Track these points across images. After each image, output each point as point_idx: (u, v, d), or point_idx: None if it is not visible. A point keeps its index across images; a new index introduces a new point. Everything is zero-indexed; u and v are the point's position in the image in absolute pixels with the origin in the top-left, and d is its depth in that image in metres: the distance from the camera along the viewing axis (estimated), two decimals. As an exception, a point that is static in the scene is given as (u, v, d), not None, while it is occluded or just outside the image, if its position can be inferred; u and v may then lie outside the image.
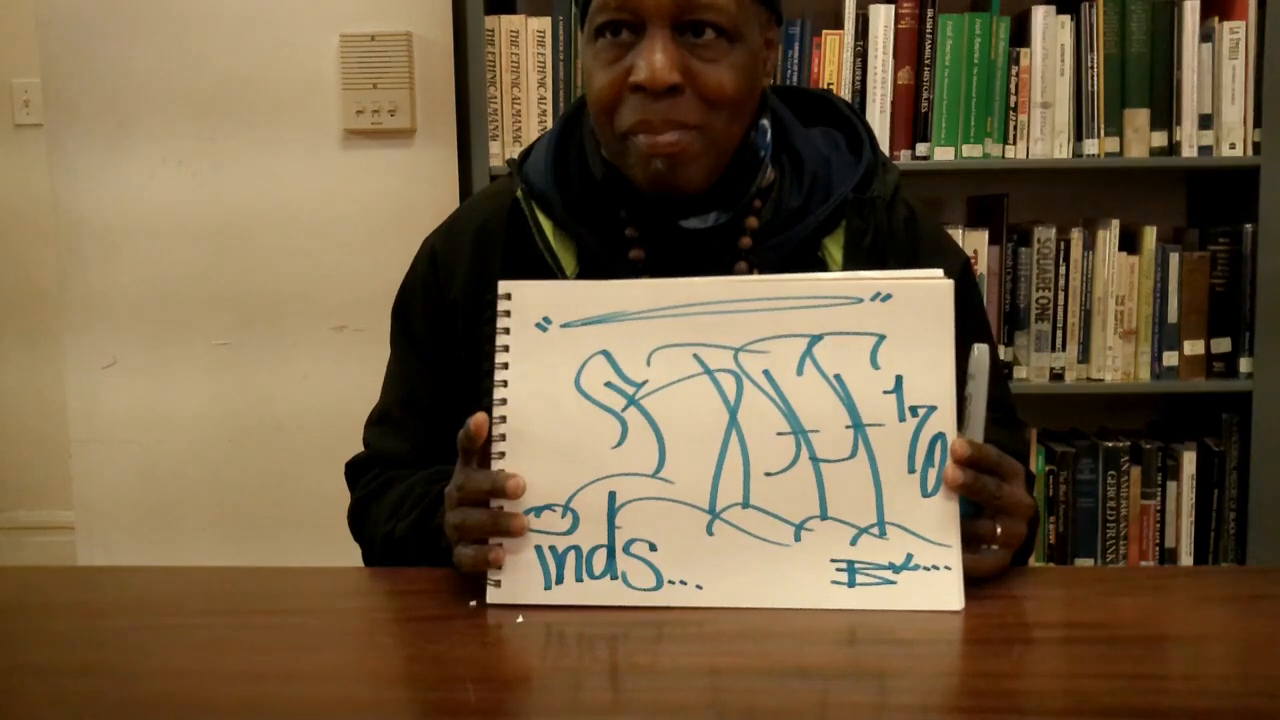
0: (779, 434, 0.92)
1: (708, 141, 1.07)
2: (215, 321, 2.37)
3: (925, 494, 0.92)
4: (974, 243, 2.22)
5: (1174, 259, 2.23)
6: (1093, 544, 2.29)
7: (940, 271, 0.93)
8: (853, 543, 0.92)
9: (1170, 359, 2.24)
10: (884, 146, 1.96)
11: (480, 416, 0.94)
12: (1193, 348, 2.24)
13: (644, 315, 0.94)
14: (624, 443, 0.93)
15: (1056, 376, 2.25)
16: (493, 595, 0.94)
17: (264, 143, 2.33)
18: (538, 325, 0.94)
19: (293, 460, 2.37)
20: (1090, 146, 2.19)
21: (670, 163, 1.06)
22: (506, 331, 0.95)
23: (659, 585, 0.93)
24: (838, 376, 0.92)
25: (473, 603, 0.94)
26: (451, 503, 0.97)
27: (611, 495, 0.93)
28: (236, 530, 2.40)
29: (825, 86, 2.18)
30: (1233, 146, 2.18)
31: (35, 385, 3.17)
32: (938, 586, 0.91)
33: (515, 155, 1.23)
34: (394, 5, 2.29)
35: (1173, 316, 2.23)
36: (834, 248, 1.14)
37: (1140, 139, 2.19)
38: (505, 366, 0.94)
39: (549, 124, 2.06)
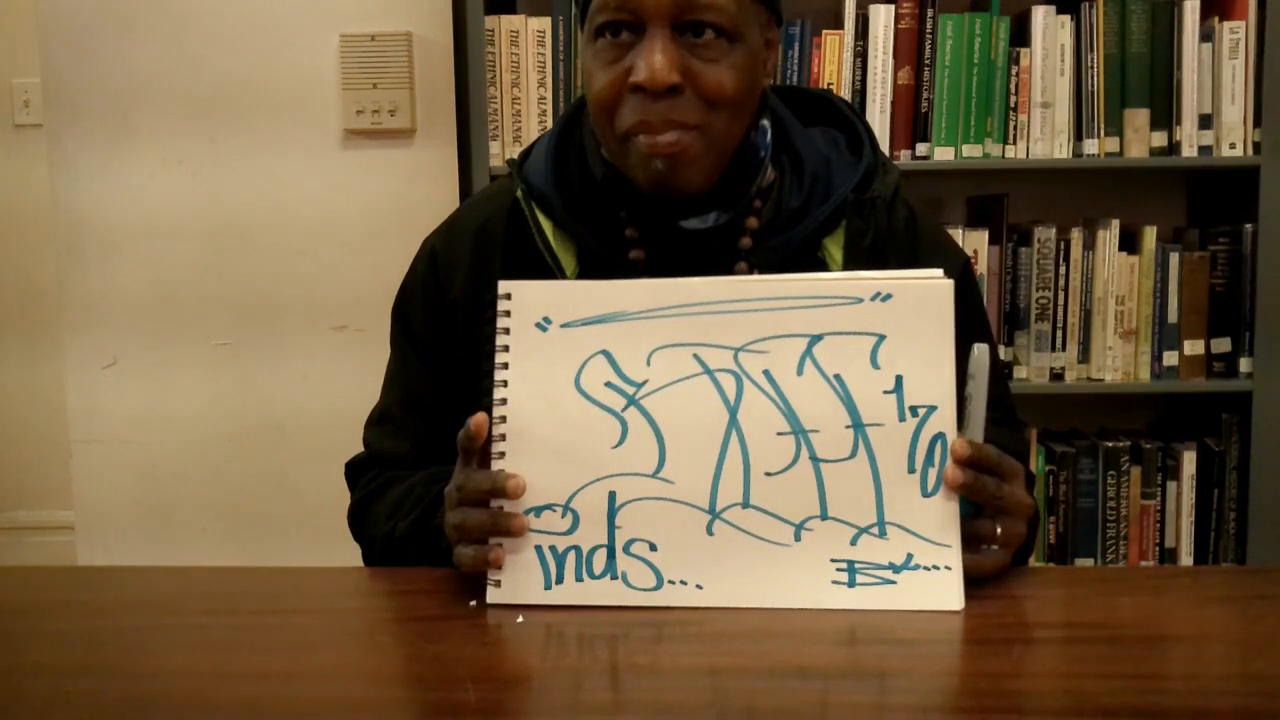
0: (779, 434, 0.92)
1: (708, 142, 1.07)
2: (215, 321, 2.37)
3: (925, 494, 0.92)
4: (974, 243, 2.22)
5: (1174, 259, 2.23)
6: (1093, 544, 2.29)
7: (940, 271, 0.93)
8: (853, 543, 0.92)
9: (1170, 359, 2.24)
10: (884, 146, 1.96)
11: (480, 416, 0.94)
12: (1193, 348, 2.24)
13: (644, 315, 0.94)
14: (624, 443, 0.93)
15: (1056, 376, 2.25)
16: (493, 595, 0.94)
17: (264, 143, 2.33)
18: (538, 325, 0.94)
19: (293, 460, 2.37)
20: (1090, 146, 2.19)
21: (670, 163, 1.06)
22: (506, 331, 0.95)
23: (659, 585, 0.93)
24: (838, 376, 0.92)
25: (473, 603, 0.94)
26: (451, 503, 0.97)
27: (611, 495, 0.93)
28: (236, 530, 2.40)
29: (825, 86, 2.18)
30: (1233, 146, 2.18)
31: (35, 385, 3.17)
32: (938, 586, 0.91)
33: (515, 155, 1.23)
34: (394, 5, 2.29)
35: (1173, 316, 2.23)
36: (834, 248, 1.14)
37: (1140, 139, 2.19)
38: (505, 366, 0.94)
39: (549, 124, 2.06)
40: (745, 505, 0.92)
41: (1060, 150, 2.20)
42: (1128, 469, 2.28)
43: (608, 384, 0.93)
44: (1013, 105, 2.19)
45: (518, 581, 0.93)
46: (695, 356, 0.93)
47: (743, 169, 1.13)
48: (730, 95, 1.06)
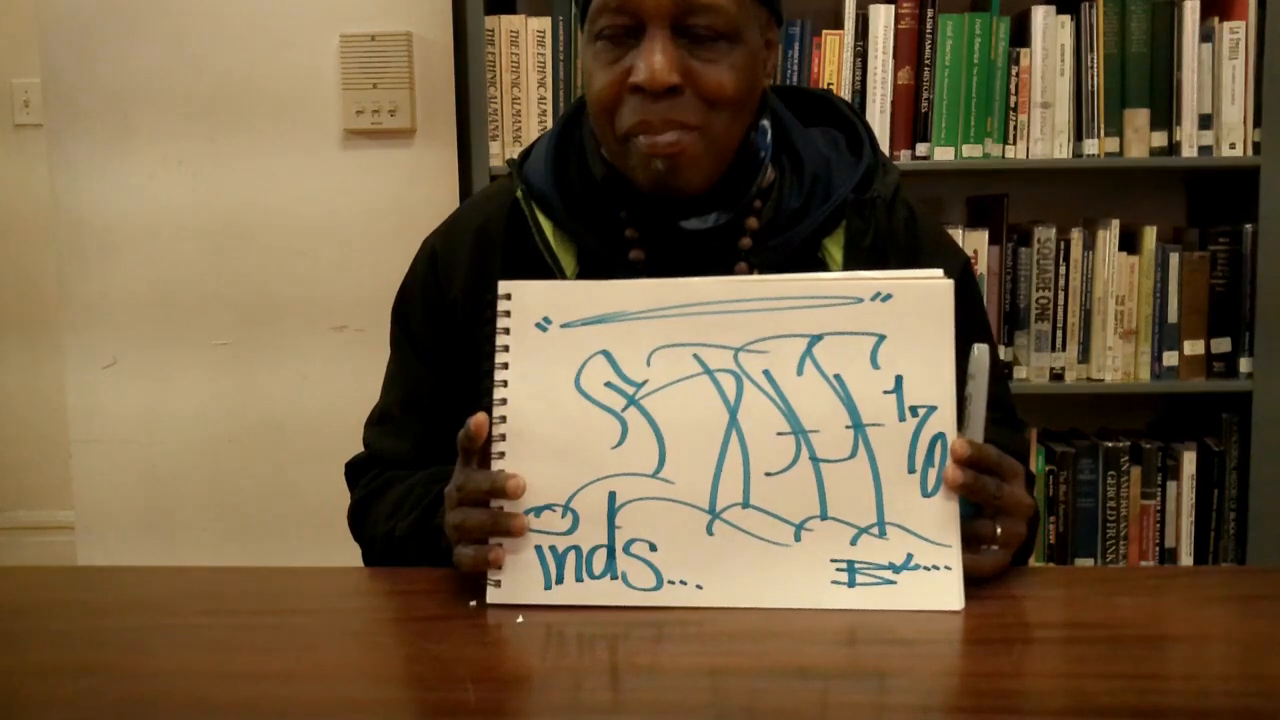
0: (779, 434, 0.92)
1: (708, 142, 1.07)
2: (215, 321, 2.37)
3: (925, 494, 0.92)
4: (974, 243, 2.22)
5: (1174, 259, 2.23)
6: (1093, 544, 2.29)
7: (940, 271, 0.93)
8: (853, 543, 0.92)
9: (1170, 359, 2.24)
10: (884, 146, 1.96)
11: (480, 416, 0.94)
12: (1193, 348, 2.24)
13: (644, 315, 0.94)
14: (624, 443, 0.93)
15: (1056, 376, 2.25)
16: (493, 595, 0.94)
17: (264, 143, 2.33)
18: (538, 325, 0.94)
19: (293, 460, 2.37)
20: (1090, 146, 2.19)
21: (670, 163, 1.06)
22: (506, 331, 0.95)
23: (659, 585, 0.93)
24: (838, 376, 0.92)
25: (473, 603, 0.94)
26: (451, 503, 0.97)
27: (611, 495, 0.93)
28: (236, 530, 2.40)
29: (825, 86, 2.18)
30: (1233, 146, 2.18)
31: (35, 385, 3.17)
32: (938, 586, 0.91)
33: (515, 155, 1.23)
34: (394, 5, 2.29)
35: (1173, 316, 2.23)
36: (834, 248, 1.14)
37: (1140, 139, 2.19)
38: (505, 366, 0.94)
39: (549, 124, 2.06)
40: (745, 505, 0.92)
41: (1060, 150, 2.20)
42: (1128, 469, 2.28)
43: (608, 384, 0.93)
44: (1013, 105, 2.19)
45: (518, 581, 0.93)
46: (695, 356, 0.93)
47: (743, 169, 1.13)
48: (730, 96, 1.06)
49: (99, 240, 2.35)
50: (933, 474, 0.92)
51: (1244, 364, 2.22)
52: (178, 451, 2.39)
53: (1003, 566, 0.97)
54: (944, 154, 2.19)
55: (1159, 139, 2.19)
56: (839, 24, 2.20)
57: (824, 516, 0.92)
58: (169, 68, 2.31)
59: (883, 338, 0.92)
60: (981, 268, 2.21)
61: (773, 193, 1.16)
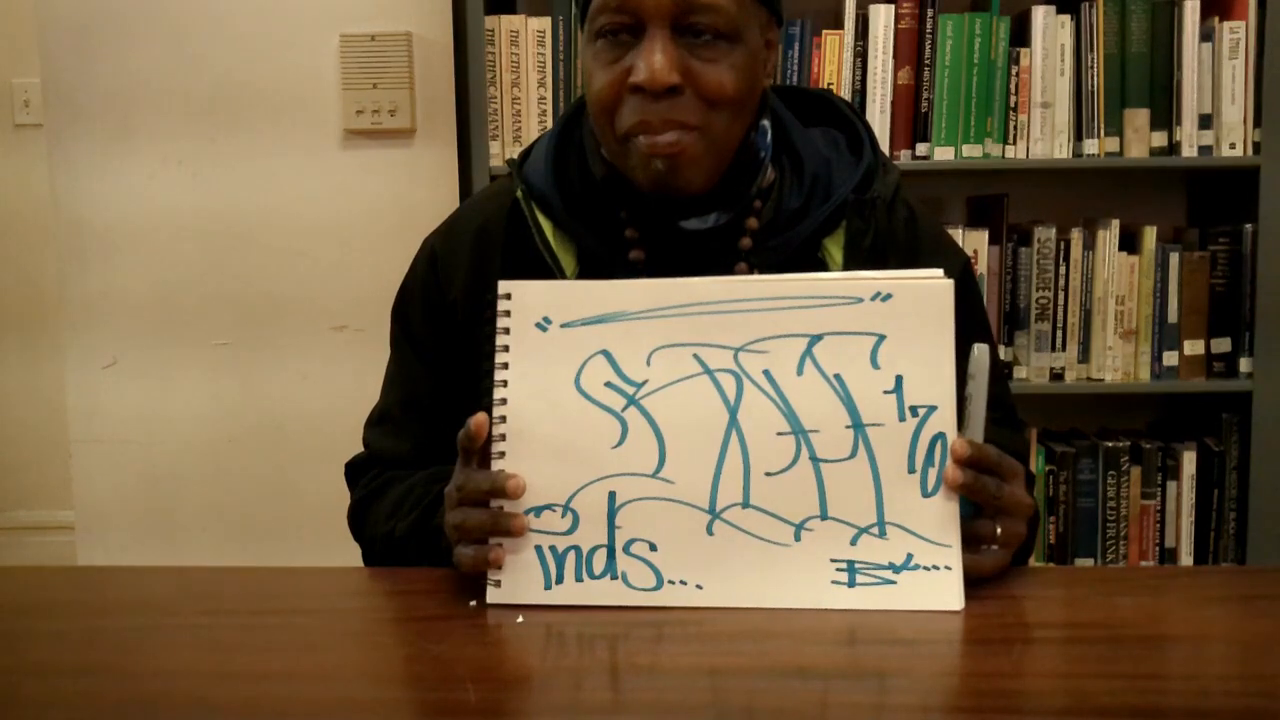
0: (779, 434, 0.92)
1: (708, 142, 1.07)
2: (215, 321, 2.37)
3: (925, 494, 0.92)
4: (974, 243, 2.22)
5: (1174, 259, 2.23)
6: (1093, 544, 2.29)
7: (940, 271, 0.93)
8: (853, 543, 0.92)
9: (1170, 359, 2.24)
10: (884, 146, 1.96)
11: (480, 416, 0.94)
12: (1193, 348, 2.24)
13: (644, 315, 0.94)
14: (624, 443, 0.93)
15: (1056, 376, 2.25)
16: (493, 595, 0.94)
17: (264, 143, 2.32)
18: (538, 325, 0.94)
19: (293, 460, 2.37)
20: (1090, 146, 2.19)
21: (670, 163, 1.06)
22: (506, 331, 0.95)
23: (659, 585, 0.93)
24: (838, 376, 0.92)
25: (473, 603, 0.94)
26: (451, 503, 0.97)
27: (611, 495, 0.93)
28: (236, 530, 2.40)
29: (825, 86, 2.18)
30: (1233, 146, 2.18)
31: (35, 385, 3.17)
32: (938, 586, 0.91)
33: (515, 155, 1.23)
34: (394, 5, 2.29)
35: (1173, 316, 2.23)
36: (834, 248, 1.14)
37: (1140, 139, 2.19)
38: (505, 366, 0.94)
39: (549, 124, 2.06)
40: (745, 505, 0.92)
41: (1060, 150, 2.20)
42: (1128, 469, 2.28)
43: (608, 384, 0.93)
44: (1013, 105, 2.19)
45: (518, 581, 0.93)
46: (695, 356, 0.93)
47: (743, 169, 1.13)
48: (730, 95, 1.06)
49: (99, 240, 2.35)
50: (933, 474, 0.92)
51: (1244, 364, 2.22)
52: (178, 451, 2.39)
53: (1003, 566, 0.97)
54: (944, 154, 2.19)
55: (1159, 139, 2.19)
56: (839, 24, 2.20)
57: (824, 516, 0.92)
58: (169, 68, 2.31)
59: (883, 338, 0.92)
60: (981, 268, 2.21)
61: (773, 193, 1.16)
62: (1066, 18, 2.17)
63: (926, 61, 2.18)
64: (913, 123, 2.20)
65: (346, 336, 2.36)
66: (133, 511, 2.40)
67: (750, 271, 1.13)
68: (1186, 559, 2.28)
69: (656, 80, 1.02)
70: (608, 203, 1.15)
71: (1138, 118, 2.19)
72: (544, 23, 2.20)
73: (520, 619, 0.91)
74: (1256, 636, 0.89)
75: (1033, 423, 2.33)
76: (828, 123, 1.21)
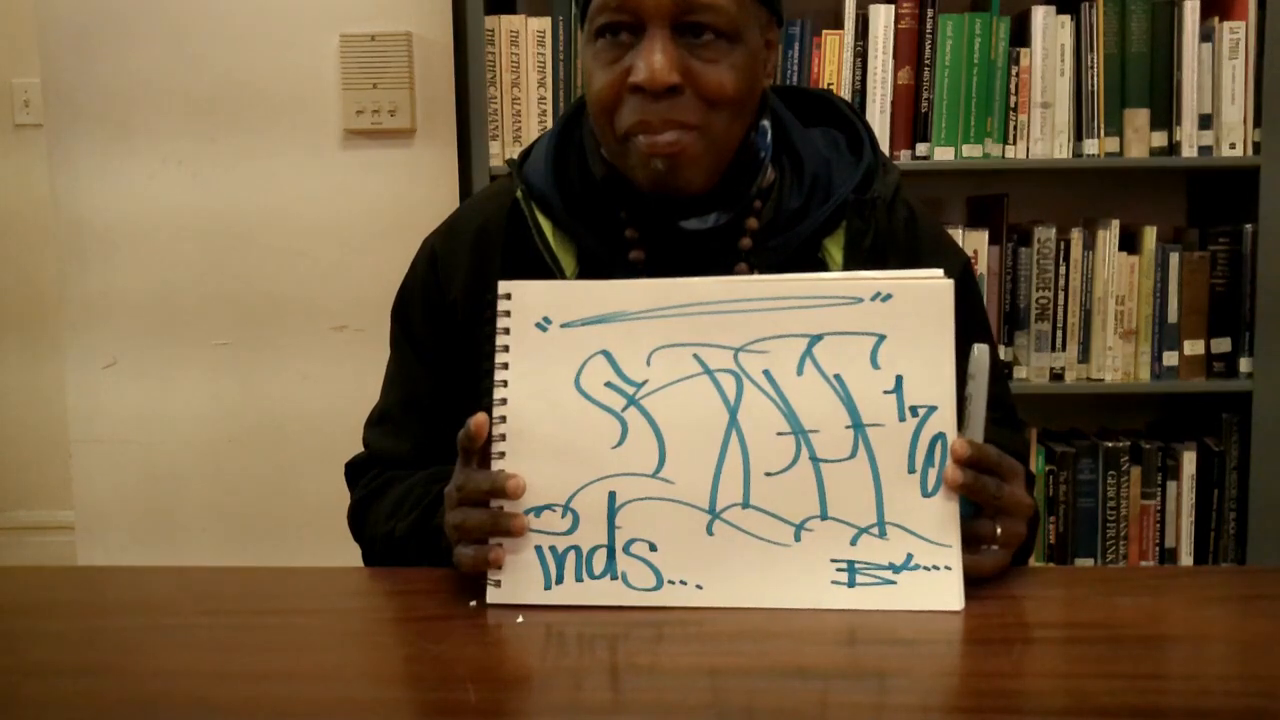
0: (779, 434, 0.92)
1: (708, 142, 1.07)
2: (215, 321, 2.37)
3: (925, 494, 0.92)
4: (974, 243, 2.22)
5: (1174, 259, 2.23)
6: (1093, 544, 2.29)
7: (940, 271, 0.93)
8: (853, 543, 0.92)
9: (1170, 359, 2.24)
10: (884, 146, 1.96)
11: (480, 416, 0.94)
12: (1193, 348, 2.24)
13: (644, 315, 0.94)
14: (624, 443, 0.93)
15: (1056, 376, 2.25)
16: (493, 595, 0.93)
17: (264, 143, 2.33)
18: (538, 325, 0.94)
19: (293, 460, 2.37)
20: (1090, 146, 2.19)
21: (670, 163, 1.06)
22: (506, 331, 0.95)
23: (659, 585, 0.93)
24: (838, 376, 0.92)
25: (473, 603, 0.94)
26: (451, 503, 0.97)
27: (611, 495, 0.93)
28: (236, 530, 2.40)
29: (825, 86, 2.18)
30: (1233, 146, 2.18)
31: (35, 385, 3.17)
32: (938, 586, 0.91)
33: (515, 155, 1.23)
34: (394, 5, 2.29)
35: (1173, 316, 2.23)
36: (834, 248, 1.14)
37: (1140, 139, 2.19)
38: (505, 366, 0.94)
39: (549, 124, 2.06)
40: (745, 505, 0.92)
41: (1060, 150, 2.20)
42: (1128, 469, 2.28)
43: (608, 384, 0.93)
44: (1013, 105, 2.19)
45: (518, 581, 0.93)
46: (695, 356, 0.93)
47: (743, 169, 1.13)
48: (730, 95, 1.06)
49: (99, 240, 2.35)
50: (933, 474, 0.92)
51: (1244, 364, 2.22)
52: (178, 451, 2.39)
53: (1003, 566, 0.97)
54: (944, 154, 2.19)
55: (1159, 139, 2.19)
56: (839, 24, 2.20)
57: (824, 516, 0.92)
58: (169, 68, 2.31)
59: (883, 338, 0.92)
60: (981, 268, 2.21)
61: (773, 193, 1.16)
62: (1066, 18, 2.17)
63: (926, 61, 2.18)
64: (913, 123, 2.20)
65: (346, 336, 2.36)
66: (133, 511, 2.40)
67: (750, 271, 1.13)
68: (1186, 559, 2.28)
69: (656, 80, 1.02)
70: (608, 203, 1.15)
71: (1138, 118, 2.19)
72: (544, 23, 2.20)
73: (520, 619, 0.91)
74: (1256, 636, 0.89)
75: (1033, 423, 2.33)
76: (828, 123, 1.21)
